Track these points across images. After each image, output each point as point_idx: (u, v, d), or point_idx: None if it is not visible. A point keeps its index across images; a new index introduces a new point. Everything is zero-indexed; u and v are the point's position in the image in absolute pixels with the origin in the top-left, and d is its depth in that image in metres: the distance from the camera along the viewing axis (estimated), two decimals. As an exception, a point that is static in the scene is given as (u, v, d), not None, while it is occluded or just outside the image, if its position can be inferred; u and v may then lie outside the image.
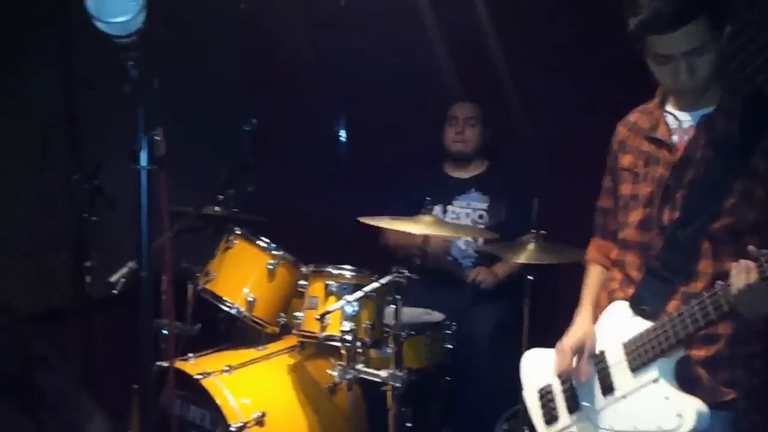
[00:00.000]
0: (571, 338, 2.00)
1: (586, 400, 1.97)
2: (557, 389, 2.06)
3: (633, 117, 2.01)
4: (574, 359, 1.98)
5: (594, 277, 2.11)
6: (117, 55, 3.31)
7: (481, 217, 3.30)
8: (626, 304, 1.91)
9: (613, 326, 1.94)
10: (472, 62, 3.48)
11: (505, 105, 3.41)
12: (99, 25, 1.23)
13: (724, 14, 1.70)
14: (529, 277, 2.69)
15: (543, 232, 2.66)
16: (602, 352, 1.95)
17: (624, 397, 1.86)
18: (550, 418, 2.06)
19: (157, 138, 1.34)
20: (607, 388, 1.91)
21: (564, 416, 2.03)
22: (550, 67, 3.28)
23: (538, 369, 2.13)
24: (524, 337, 2.66)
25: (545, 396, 2.09)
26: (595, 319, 2.02)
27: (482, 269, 3.22)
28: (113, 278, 2.45)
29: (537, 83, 3.31)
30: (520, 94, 3.40)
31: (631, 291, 1.92)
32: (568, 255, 2.54)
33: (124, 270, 2.48)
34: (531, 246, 2.63)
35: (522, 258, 2.62)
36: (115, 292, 2.45)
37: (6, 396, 2.76)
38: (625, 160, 1.97)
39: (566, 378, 2.03)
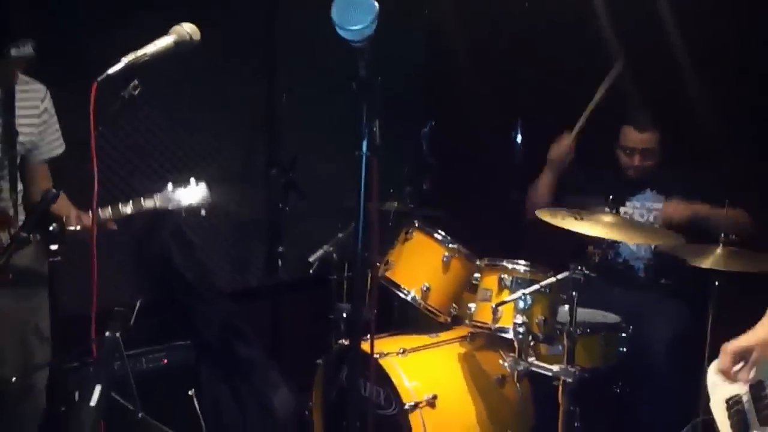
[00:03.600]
0: (739, 341, 1.93)
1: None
2: (747, 399, 1.96)
3: None
4: (737, 364, 1.90)
5: None
6: (313, 65, 3.64)
7: (656, 218, 3.13)
8: None
9: None
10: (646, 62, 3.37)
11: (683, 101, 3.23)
12: (340, 32, 1.46)
13: None
14: (715, 282, 2.56)
15: (733, 236, 2.53)
16: None
17: None
18: (740, 429, 1.97)
19: (375, 129, 1.51)
20: None
21: (756, 428, 1.93)
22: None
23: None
24: (707, 346, 2.54)
25: (733, 407, 1.99)
26: None
27: (676, 203, 3.00)
28: (312, 258, 2.72)
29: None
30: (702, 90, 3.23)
31: None
32: (762, 264, 2.39)
33: (320, 252, 2.74)
34: (719, 251, 2.51)
35: (708, 263, 2.51)
36: (311, 271, 2.71)
37: (208, 361, 3.13)
38: None
39: (756, 388, 1.93)
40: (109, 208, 2.36)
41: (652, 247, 3.13)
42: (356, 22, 1.44)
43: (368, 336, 2.82)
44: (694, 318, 2.86)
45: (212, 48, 1.87)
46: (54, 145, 2.50)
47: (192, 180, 2.48)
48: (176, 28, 1.79)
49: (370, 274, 3.03)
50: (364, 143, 1.52)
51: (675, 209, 2.99)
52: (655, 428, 2.86)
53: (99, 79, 1.66)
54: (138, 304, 2.61)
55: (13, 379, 2.17)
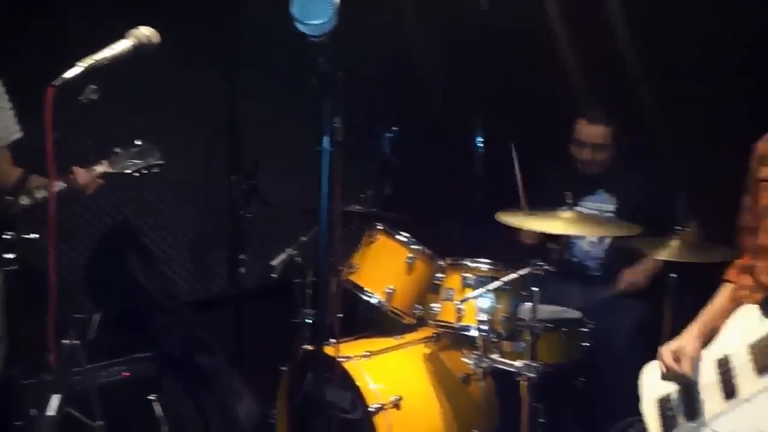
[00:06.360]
0: (671, 345, 2.05)
1: (707, 406, 1.95)
2: (676, 397, 2.05)
3: None
4: (679, 364, 2.00)
5: (723, 294, 2.11)
6: (274, 68, 3.61)
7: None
8: (755, 307, 1.90)
9: (740, 329, 1.93)
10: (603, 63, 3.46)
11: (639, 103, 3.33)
12: (300, 26, 1.47)
13: None
14: (671, 274, 2.61)
15: (688, 228, 2.60)
16: (726, 357, 1.93)
17: (748, 400, 1.84)
18: (669, 427, 2.04)
19: (336, 125, 1.51)
20: (730, 393, 1.89)
21: (683, 424, 2.00)
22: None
23: (659, 379, 2.11)
24: (664, 338, 2.60)
25: (664, 405, 2.07)
26: (705, 335, 2.03)
27: (630, 271, 3.12)
28: (275, 262, 2.69)
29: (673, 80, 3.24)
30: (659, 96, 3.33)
31: (760, 296, 1.92)
32: (717, 254, 2.42)
33: (283, 255, 2.72)
34: (675, 243, 2.58)
35: (664, 255, 2.56)
36: (274, 275, 2.68)
37: (169, 373, 3.08)
38: (765, 172, 1.97)
39: (686, 386, 2.02)
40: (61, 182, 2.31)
41: (605, 245, 3.19)
42: (316, 16, 1.46)
43: (333, 340, 2.85)
44: (652, 310, 2.92)
45: (170, 51, 1.86)
46: (10, 130, 2.48)
47: (138, 142, 2.44)
48: (134, 31, 1.78)
49: (334, 278, 3.06)
50: (326, 139, 1.52)
51: (634, 275, 3.10)
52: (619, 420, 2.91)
53: (56, 83, 1.63)
54: (98, 318, 2.56)
55: None
